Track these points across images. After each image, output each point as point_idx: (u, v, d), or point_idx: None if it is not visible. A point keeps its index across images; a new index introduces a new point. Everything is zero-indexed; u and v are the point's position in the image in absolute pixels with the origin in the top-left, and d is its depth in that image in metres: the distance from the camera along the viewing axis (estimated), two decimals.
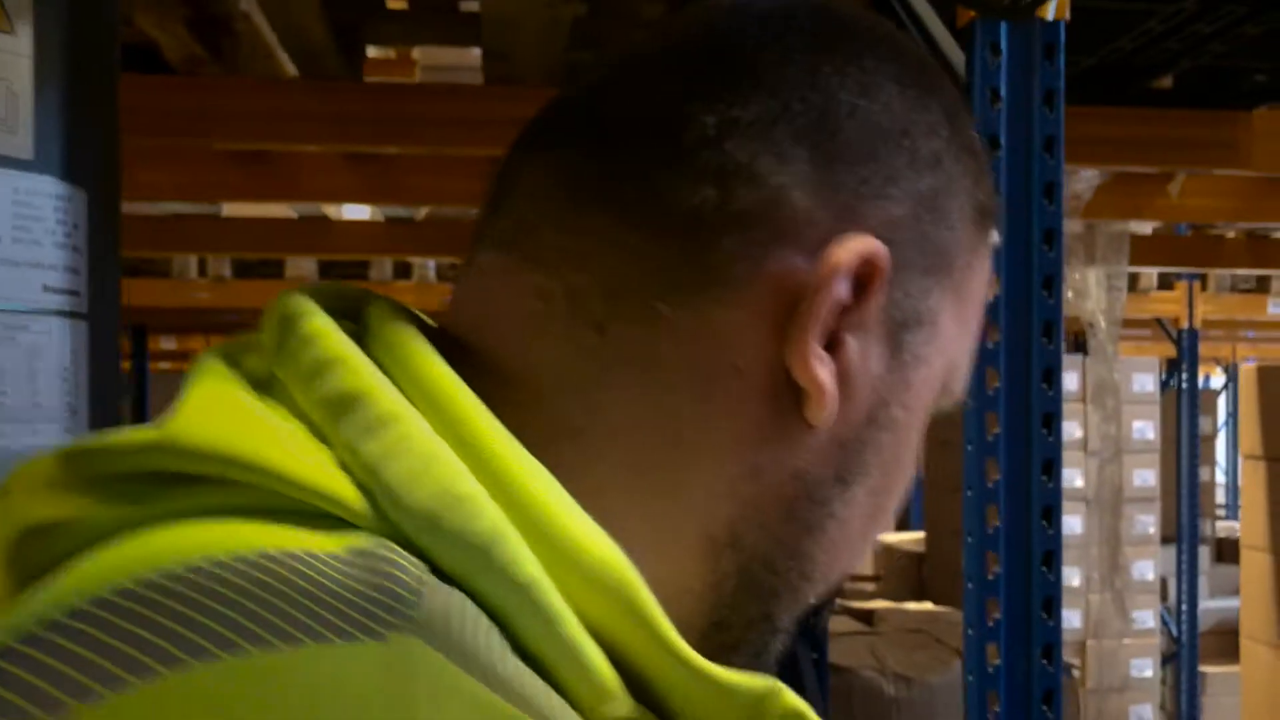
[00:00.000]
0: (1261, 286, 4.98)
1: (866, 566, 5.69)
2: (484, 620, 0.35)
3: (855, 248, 0.42)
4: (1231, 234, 3.73)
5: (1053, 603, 1.38)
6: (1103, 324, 3.55)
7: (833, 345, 0.43)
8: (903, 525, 5.92)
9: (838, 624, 3.27)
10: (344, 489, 0.36)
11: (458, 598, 0.35)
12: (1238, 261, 3.66)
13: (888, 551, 5.18)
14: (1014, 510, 1.35)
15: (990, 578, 1.37)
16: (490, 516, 0.36)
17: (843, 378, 0.43)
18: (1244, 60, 2.09)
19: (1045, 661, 1.39)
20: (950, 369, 0.48)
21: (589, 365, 0.42)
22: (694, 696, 0.39)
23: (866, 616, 3.28)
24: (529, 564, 0.36)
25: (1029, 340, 1.29)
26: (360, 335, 0.42)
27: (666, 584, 0.40)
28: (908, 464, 0.49)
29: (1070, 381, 4.69)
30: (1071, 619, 4.88)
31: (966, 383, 0.53)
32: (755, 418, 0.43)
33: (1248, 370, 3.55)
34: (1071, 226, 3.12)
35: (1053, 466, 1.33)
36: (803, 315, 0.42)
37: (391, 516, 0.36)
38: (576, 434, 0.42)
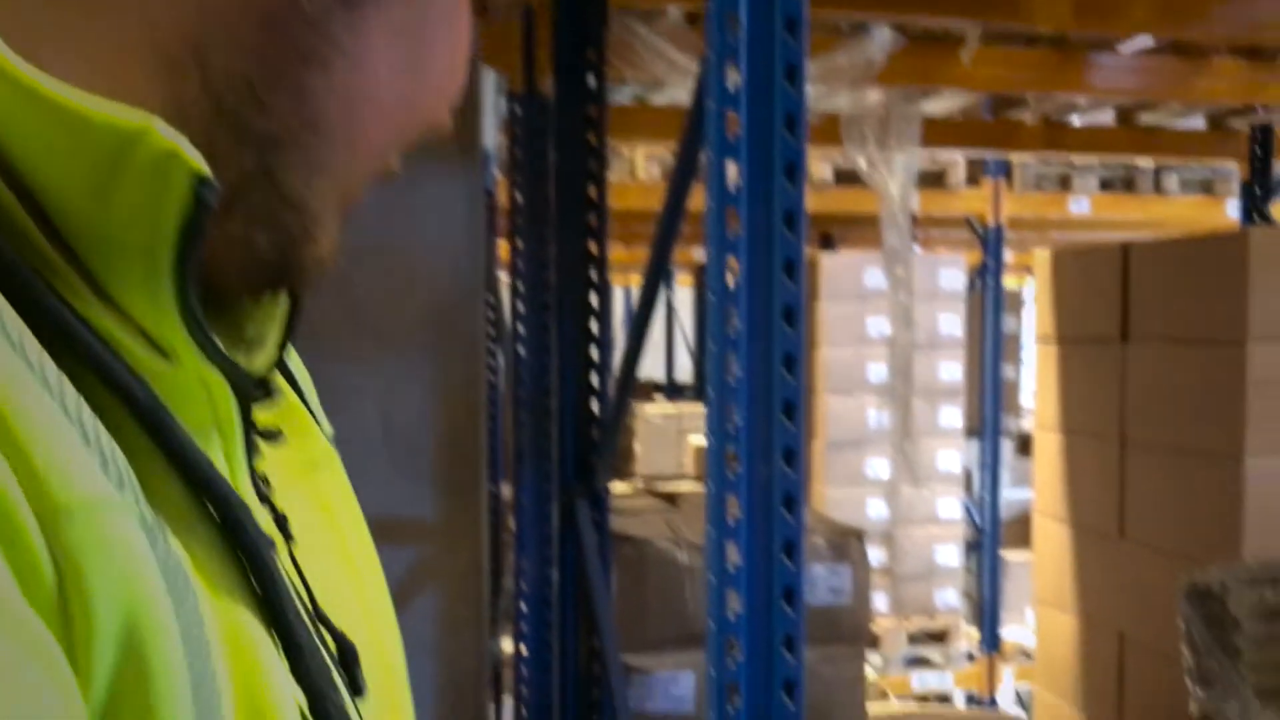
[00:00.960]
0: (1065, 185, 5.16)
1: (689, 466, 5.71)
2: None
3: None
4: (1030, 120, 3.81)
5: (793, 502, 1.37)
6: (898, 205, 3.58)
7: None
8: None
9: (639, 502, 3.25)
10: None
11: None
12: (1034, 144, 3.75)
13: (701, 453, 5.22)
14: (755, 409, 1.32)
15: (731, 477, 1.35)
16: None
17: None
18: None
19: (785, 557, 1.39)
20: None
21: None
22: (46, 139, 0.34)
23: (670, 498, 3.27)
24: None
25: (770, 231, 1.24)
26: None
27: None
28: (445, 11, 0.42)
29: (873, 278, 4.77)
30: (880, 509, 5.04)
31: None
32: None
33: (1041, 254, 3.65)
34: (868, 100, 3.12)
35: (793, 363, 1.30)
36: None
37: None
38: None
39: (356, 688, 0.51)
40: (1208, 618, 2.64)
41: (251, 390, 0.45)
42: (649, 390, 6.16)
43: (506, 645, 3.41)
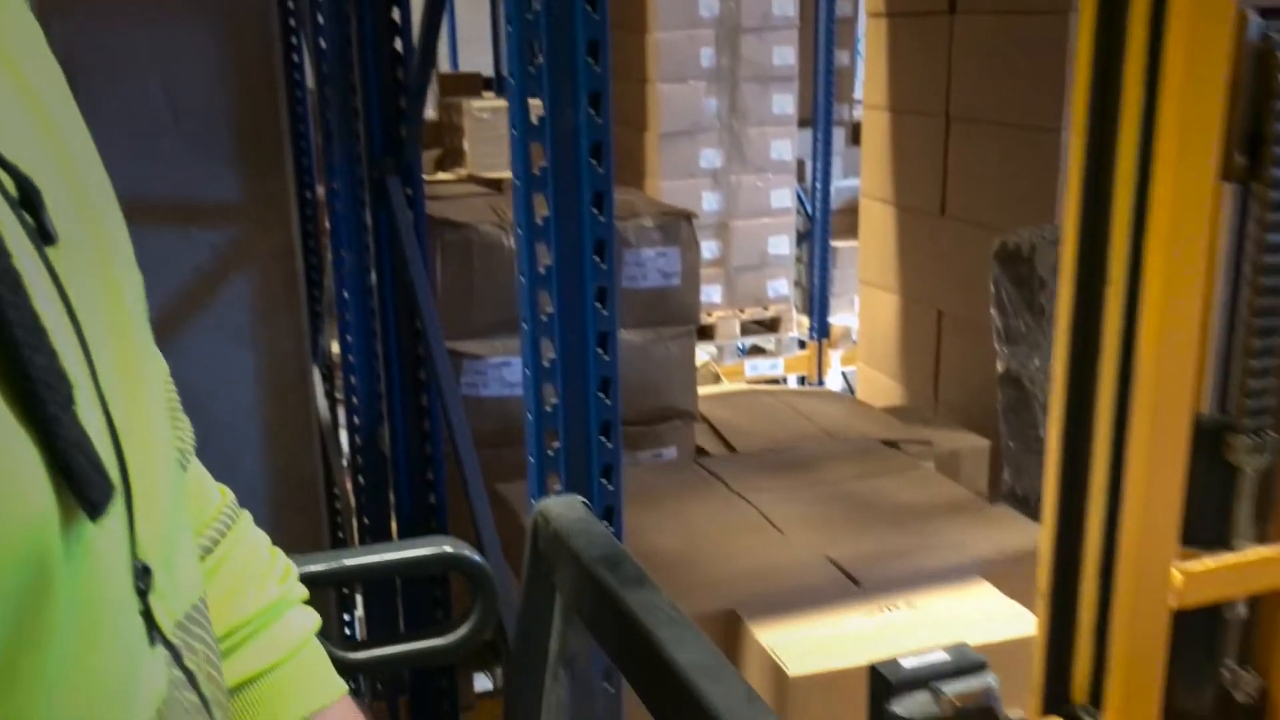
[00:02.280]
0: None
1: None
2: None
3: None
4: None
5: (606, 293, 1.37)
6: None
7: None
8: None
9: (462, 188, 3.18)
10: None
11: None
12: None
13: None
14: (562, 201, 1.30)
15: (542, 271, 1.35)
16: None
17: None
18: None
19: (600, 350, 1.40)
20: None
21: None
22: None
23: (495, 184, 3.20)
24: None
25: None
26: None
27: None
28: None
29: None
30: (713, 201, 5.07)
31: None
32: None
33: None
34: None
35: (601, 150, 1.27)
36: None
37: None
38: None
39: (46, 235, 0.47)
40: (1016, 278, 2.78)
41: None
42: (476, 85, 5.92)
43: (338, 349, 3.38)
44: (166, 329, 2.26)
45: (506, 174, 3.69)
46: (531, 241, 1.37)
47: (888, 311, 3.93)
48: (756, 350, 5.68)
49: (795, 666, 1.49)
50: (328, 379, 3.19)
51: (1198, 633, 0.92)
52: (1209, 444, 0.86)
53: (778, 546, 1.93)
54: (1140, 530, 0.84)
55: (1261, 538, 0.90)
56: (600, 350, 1.42)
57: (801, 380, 5.56)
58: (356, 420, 2.67)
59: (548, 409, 1.43)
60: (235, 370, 2.36)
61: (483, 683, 3.04)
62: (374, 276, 2.50)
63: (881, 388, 4.00)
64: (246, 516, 0.84)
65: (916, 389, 3.82)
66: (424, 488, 2.52)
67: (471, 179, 3.45)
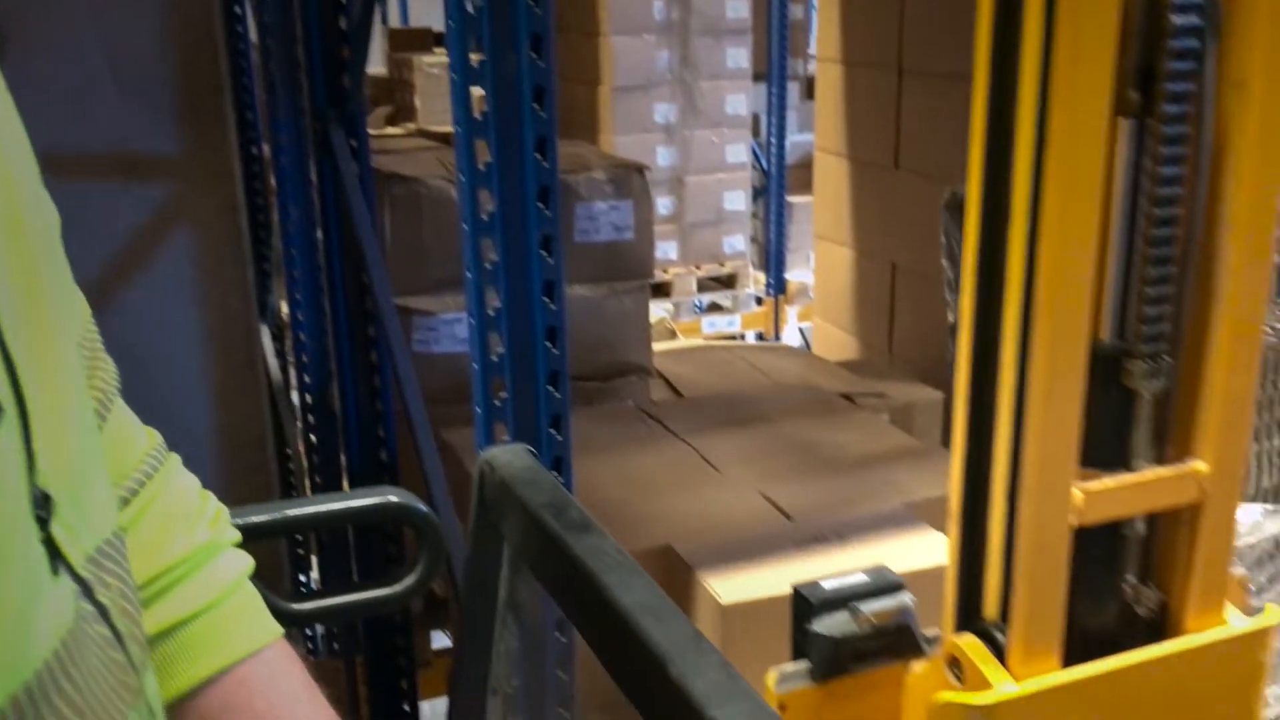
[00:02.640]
0: None
1: None
2: None
3: None
4: None
5: (551, 240, 1.37)
6: None
7: None
8: None
9: (410, 143, 3.18)
10: None
11: None
12: None
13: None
14: (505, 146, 1.31)
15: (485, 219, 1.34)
16: None
17: None
18: None
19: (546, 298, 1.38)
20: None
21: None
22: None
23: (444, 138, 3.20)
24: None
25: None
26: None
27: None
28: None
29: None
30: (668, 155, 5.09)
31: None
32: None
33: None
34: None
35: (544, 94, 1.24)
36: None
37: None
38: None
39: None
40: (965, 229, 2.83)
41: None
42: (427, 40, 5.89)
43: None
44: (110, 286, 2.26)
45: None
46: (474, 188, 1.36)
47: (843, 266, 3.98)
48: (714, 307, 5.72)
49: (728, 596, 1.55)
50: (277, 338, 3.19)
51: (1099, 550, 0.97)
52: (1108, 370, 0.90)
53: (715, 486, 1.99)
54: (1042, 453, 0.88)
55: (1159, 459, 0.95)
56: (546, 299, 1.41)
57: (759, 336, 5.62)
58: (306, 378, 2.69)
59: (494, 358, 1.43)
60: (182, 328, 2.36)
61: (440, 640, 3.07)
62: (320, 232, 2.51)
63: (837, 342, 4.05)
64: (175, 460, 0.83)
65: (872, 343, 3.88)
66: (374, 444, 2.54)
67: (420, 133, 3.45)
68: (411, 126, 4.03)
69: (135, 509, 0.77)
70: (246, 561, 0.83)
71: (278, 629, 0.82)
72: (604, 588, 0.86)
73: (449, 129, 3.46)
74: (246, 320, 2.48)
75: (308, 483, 2.83)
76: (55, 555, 0.52)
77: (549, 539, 0.98)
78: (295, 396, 2.95)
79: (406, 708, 2.55)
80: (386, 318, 2.12)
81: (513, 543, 1.12)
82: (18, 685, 0.47)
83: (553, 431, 1.46)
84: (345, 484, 2.64)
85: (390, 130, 3.95)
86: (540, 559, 1.05)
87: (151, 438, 0.81)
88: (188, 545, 0.79)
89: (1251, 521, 1.83)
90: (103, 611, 0.56)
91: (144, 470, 0.78)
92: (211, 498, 0.85)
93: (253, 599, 0.82)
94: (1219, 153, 0.86)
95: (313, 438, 2.71)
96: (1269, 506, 1.86)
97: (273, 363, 3.00)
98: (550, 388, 1.45)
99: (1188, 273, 0.89)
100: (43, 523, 0.52)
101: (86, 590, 0.55)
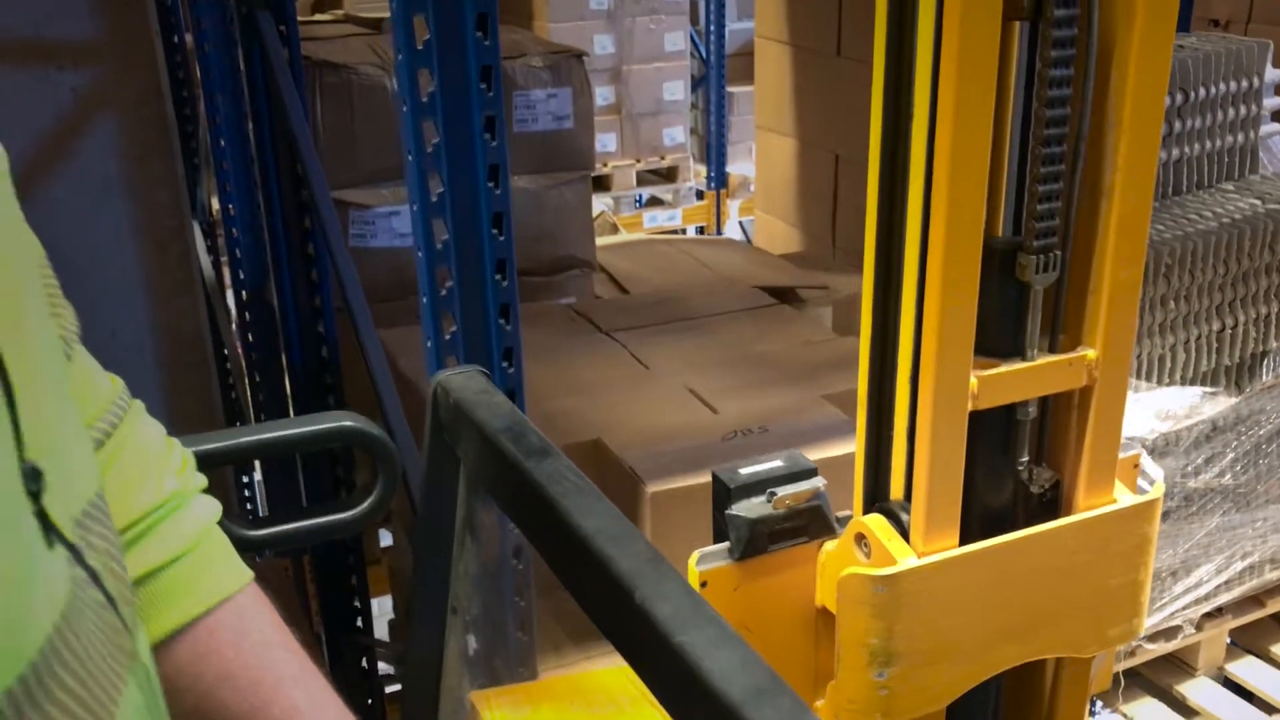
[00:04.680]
0: None
1: None
2: None
3: None
4: None
5: (495, 122, 1.35)
6: None
7: None
8: None
9: (340, 29, 3.15)
10: None
11: None
12: None
13: None
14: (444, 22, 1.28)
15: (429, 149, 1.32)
16: None
17: None
18: None
19: (495, 230, 1.38)
20: None
21: None
22: None
23: (375, 24, 3.17)
24: None
25: None
26: None
27: None
28: None
29: None
30: (606, 44, 5.06)
31: None
32: None
33: None
34: None
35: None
36: None
37: None
38: None
39: None
40: None
41: None
42: None
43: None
44: (32, 179, 2.24)
45: (386, 13, 3.64)
46: (412, 67, 1.34)
47: (785, 156, 4.01)
48: (654, 201, 5.75)
49: (653, 483, 1.65)
50: (209, 235, 3.18)
51: (996, 434, 1.06)
52: (1002, 264, 0.98)
53: (646, 383, 2.07)
54: (940, 342, 0.96)
55: (1051, 348, 1.04)
56: (491, 184, 1.39)
57: (700, 231, 5.66)
58: (242, 275, 2.69)
59: (438, 246, 1.41)
60: (109, 223, 2.35)
61: (387, 538, 3.12)
62: (251, 123, 2.50)
63: (780, 235, 4.10)
64: (139, 406, 0.82)
65: (815, 235, 3.93)
66: (315, 340, 2.56)
67: (349, 19, 3.40)
68: (340, 13, 3.97)
69: (101, 460, 0.76)
70: (215, 507, 0.84)
71: (247, 573, 0.83)
72: (564, 512, 0.89)
73: (380, 14, 3.42)
74: (177, 213, 2.47)
75: (247, 382, 2.86)
76: (49, 528, 0.52)
77: (507, 464, 1.00)
78: (230, 297, 2.97)
79: (357, 603, 2.63)
80: (324, 209, 2.13)
81: (469, 466, 1.14)
82: (24, 665, 0.47)
83: (502, 321, 1.45)
84: (287, 383, 2.66)
85: (319, 17, 3.89)
86: (498, 483, 1.06)
87: (114, 384, 0.80)
88: (156, 495, 0.79)
89: (1190, 404, 1.91)
90: (94, 575, 0.56)
91: (109, 419, 0.77)
92: (176, 444, 0.85)
93: (222, 545, 0.83)
94: (1105, 55, 0.93)
95: (250, 337, 2.73)
96: (1207, 390, 1.96)
97: (205, 261, 3.00)
98: (498, 276, 1.44)
99: (1077, 171, 0.96)
100: (34, 496, 0.51)
101: (77, 555, 0.55)
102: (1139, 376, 1.99)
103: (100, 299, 2.37)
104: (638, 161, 5.30)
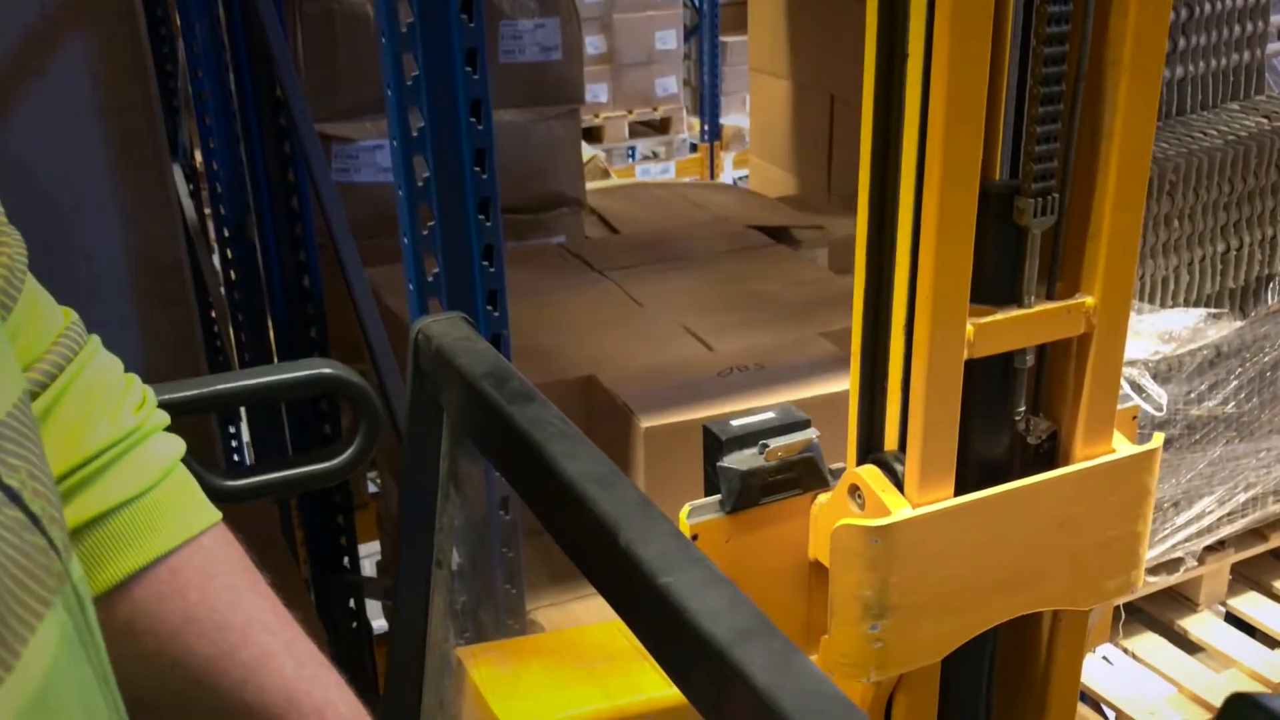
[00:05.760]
0: None
1: None
2: None
3: None
4: None
5: (476, 54, 1.32)
6: None
7: None
8: None
9: None
10: None
11: None
12: None
13: None
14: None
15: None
16: None
17: None
18: None
19: (478, 168, 1.36)
20: None
21: None
22: None
23: None
24: None
25: None
26: None
27: None
28: None
29: None
30: None
31: None
32: None
33: None
34: None
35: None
36: None
37: None
38: None
39: None
40: None
41: None
42: None
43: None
44: (1, 102, 2.19)
45: None
46: None
47: (779, 99, 3.97)
48: (647, 155, 5.68)
49: (647, 419, 1.64)
50: (191, 180, 3.14)
51: (992, 382, 1.05)
52: (999, 208, 0.96)
53: (638, 318, 2.06)
54: (936, 288, 0.94)
55: (1049, 295, 1.02)
56: (473, 119, 1.36)
57: None
58: (223, 211, 2.67)
59: (419, 184, 1.39)
60: (82, 146, 2.28)
61: (373, 486, 3.11)
62: (229, 53, 2.46)
63: (775, 181, 4.07)
64: (95, 340, 0.80)
65: (810, 179, 3.90)
66: (296, 269, 2.54)
67: None
68: None
69: (53, 393, 0.73)
70: (178, 446, 0.81)
71: (214, 514, 0.81)
72: (549, 458, 0.88)
73: None
74: (152, 137, 2.41)
75: (230, 325, 2.84)
76: None
77: (491, 410, 0.99)
78: (211, 230, 2.94)
79: (344, 541, 2.64)
80: (306, 138, 2.09)
81: (452, 414, 1.13)
82: None
83: (485, 263, 1.43)
84: (269, 318, 2.64)
85: None
86: (482, 431, 1.05)
87: (67, 316, 0.78)
88: (113, 431, 0.76)
89: (1193, 326, 1.87)
90: (12, 495, 0.53)
91: (60, 352, 0.75)
92: (136, 380, 0.82)
93: (186, 484, 0.80)
94: None
95: (232, 273, 2.71)
96: (1211, 311, 1.92)
97: (188, 203, 2.96)
98: (481, 216, 1.41)
99: (1076, 111, 0.94)
100: None
101: None
102: (1141, 298, 1.95)
103: (75, 222, 2.30)
104: (629, 113, 5.22)
